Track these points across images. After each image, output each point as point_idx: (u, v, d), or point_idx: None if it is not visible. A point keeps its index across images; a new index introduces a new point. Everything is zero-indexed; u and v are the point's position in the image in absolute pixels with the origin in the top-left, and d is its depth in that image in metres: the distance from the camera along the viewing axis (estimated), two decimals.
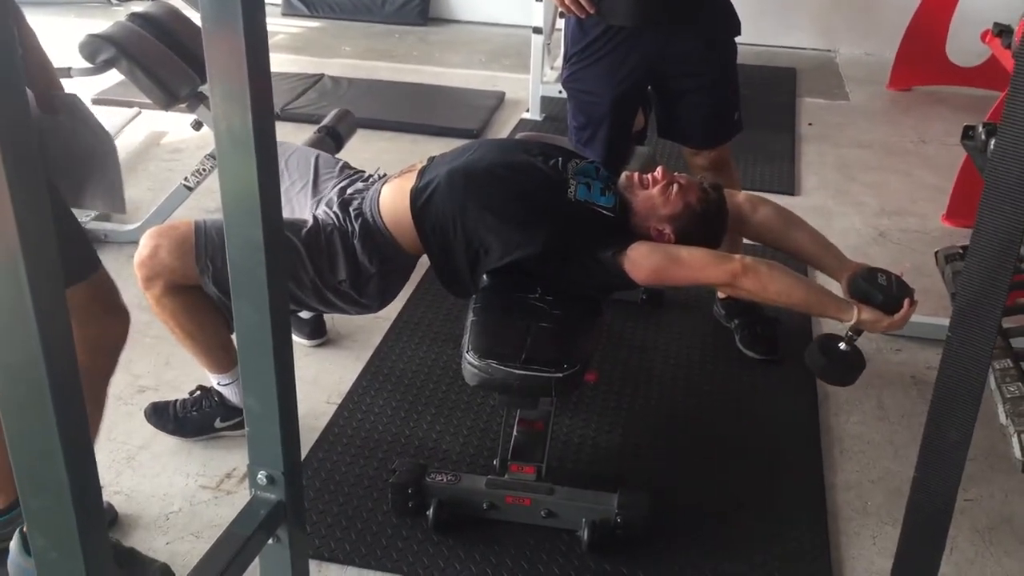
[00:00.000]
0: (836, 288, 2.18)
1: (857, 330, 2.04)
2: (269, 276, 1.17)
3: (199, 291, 2.10)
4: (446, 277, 2.23)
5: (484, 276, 2.17)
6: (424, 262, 2.26)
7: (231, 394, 2.30)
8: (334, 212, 2.20)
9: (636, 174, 2.19)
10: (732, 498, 2.23)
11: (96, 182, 1.78)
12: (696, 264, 2.05)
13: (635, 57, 2.57)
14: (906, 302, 2.02)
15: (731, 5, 2.67)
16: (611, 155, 2.65)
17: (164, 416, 2.33)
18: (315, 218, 2.19)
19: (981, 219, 1.05)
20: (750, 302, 2.84)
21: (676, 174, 2.19)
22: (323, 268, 2.12)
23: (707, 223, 2.17)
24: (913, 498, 1.34)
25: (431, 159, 2.28)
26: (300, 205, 2.32)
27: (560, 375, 1.92)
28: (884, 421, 2.53)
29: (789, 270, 2.11)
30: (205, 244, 2.07)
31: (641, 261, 2.05)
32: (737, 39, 2.70)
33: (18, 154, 0.78)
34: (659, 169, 2.17)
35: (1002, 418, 2.11)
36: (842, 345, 2.06)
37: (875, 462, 2.37)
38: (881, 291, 2.04)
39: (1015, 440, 2.04)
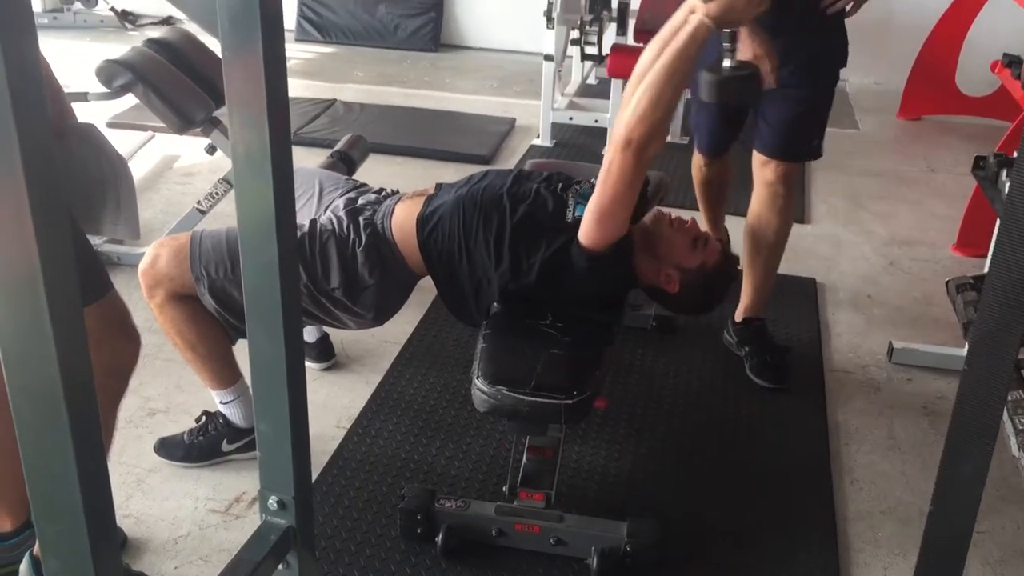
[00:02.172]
0: None
1: (731, 39, 1.92)
2: (284, 300, 1.17)
3: (201, 302, 2.12)
4: (453, 305, 2.24)
5: (494, 304, 2.17)
6: (434, 288, 2.26)
7: (233, 413, 2.30)
8: (337, 218, 2.21)
9: (670, 215, 2.20)
10: (742, 528, 2.22)
11: (112, 210, 1.79)
12: (603, 179, 1.97)
13: None
14: None
15: (844, 36, 2.71)
16: (711, 141, 2.95)
17: (172, 446, 2.34)
18: (313, 223, 2.19)
19: (997, 253, 1.04)
20: (759, 330, 2.87)
21: (705, 231, 2.21)
22: (316, 275, 2.13)
23: (712, 285, 2.21)
24: (928, 531, 1.33)
25: (439, 186, 2.29)
26: (303, 218, 2.33)
27: (570, 402, 1.92)
28: (895, 451, 2.51)
29: (633, 80, 2.01)
30: (200, 253, 2.10)
31: (586, 226, 2.02)
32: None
33: (41, 179, 0.79)
34: (691, 219, 2.19)
35: (1014, 450, 2.10)
36: (726, 62, 1.95)
37: (886, 492, 2.36)
38: None
39: None
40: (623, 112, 1.96)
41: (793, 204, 2.87)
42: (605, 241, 2.03)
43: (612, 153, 1.95)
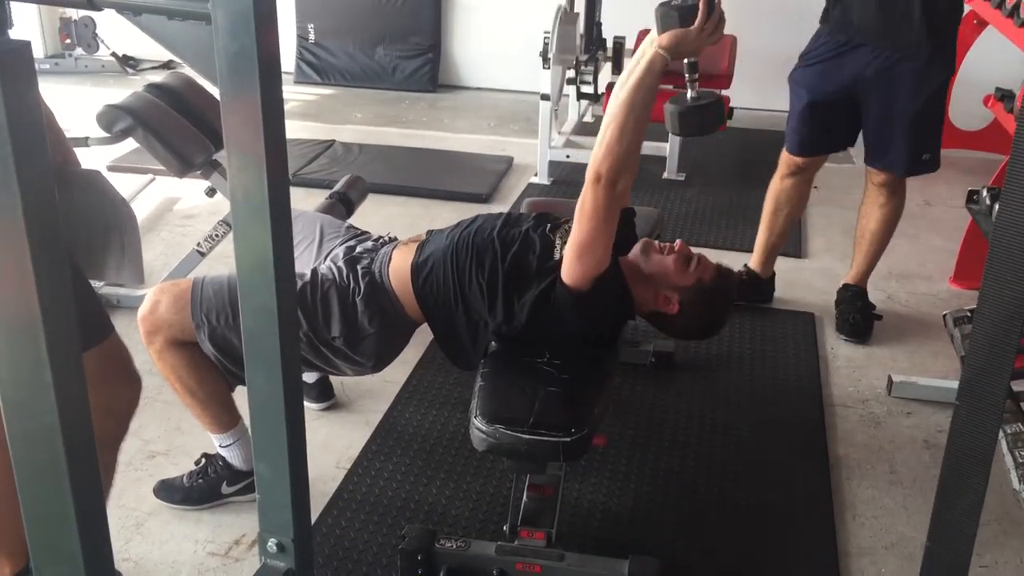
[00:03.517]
0: None
1: (691, 68, 1.93)
2: (282, 342, 1.18)
3: (199, 347, 2.13)
4: (450, 350, 2.24)
5: (491, 343, 2.18)
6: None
7: (233, 456, 2.30)
8: (337, 267, 2.22)
9: (656, 241, 2.21)
10: (744, 565, 2.21)
11: (115, 256, 1.80)
12: (578, 217, 1.97)
13: (843, 74, 2.94)
14: (700, 3, 1.87)
15: (952, 50, 2.92)
16: (797, 147, 3.16)
17: (172, 489, 2.34)
18: (314, 272, 2.20)
19: (986, 289, 1.05)
20: (853, 296, 3.27)
21: (698, 253, 2.21)
22: (317, 324, 2.14)
23: (713, 301, 2.19)
24: (926, 567, 1.33)
25: (429, 233, 2.30)
26: (303, 264, 2.34)
27: (568, 439, 1.92)
28: (897, 485, 2.51)
29: (605, 118, 2.00)
30: (201, 300, 2.10)
31: (566, 263, 2.03)
32: (937, 82, 2.97)
33: (42, 226, 0.80)
34: (679, 241, 2.20)
35: (1015, 483, 2.10)
36: (689, 93, 1.97)
37: (888, 528, 2.35)
38: (675, 8, 1.90)
39: None
40: (596, 147, 1.97)
41: (896, 206, 3.20)
42: (586, 277, 2.02)
43: (584, 189, 1.96)
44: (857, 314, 3.24)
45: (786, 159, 3.23)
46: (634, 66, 2.00)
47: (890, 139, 2.99)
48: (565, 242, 2.13)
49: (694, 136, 2.13)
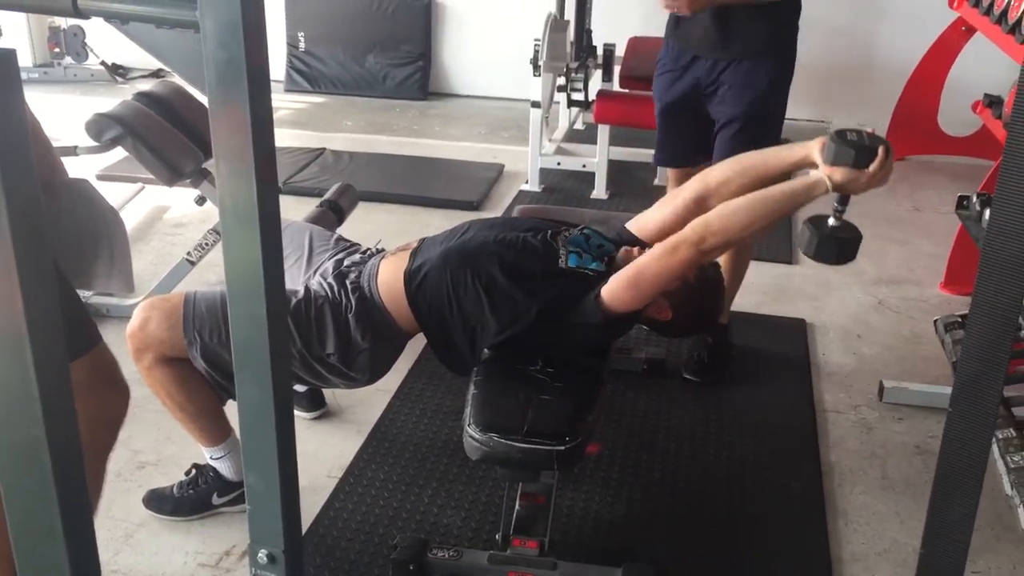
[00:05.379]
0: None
1: (842, 200, 1.97)
2: (272, 352, 1.17)
3: (190, 363, 2.11)
4: (445, 356, 2.23)
5: (485, 349, 2.17)
6: (423, 336, 2.26)
7: (224, 468, 2.29)
8: (328, 283, 2.21)
9: (636, 249, 2.21)
10: (737, 572, 2.20)
11: (104, 264, 1.79)
12: (659, 257, 2.02)
13: (685, 83, 2.90)
14: (880, 150, 1.92)
15: (787, 54, 2.85)
16: (662, 154, 3.11)
17: (162, 500, 2.32)
18: (306, 289, 2.19)
19: (978, 295, 1.05)
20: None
21: None
22: (311, 340, 2.12)
23: (702, 299, 2.21)
24: (920, 574, 1.33)
25: (422, 240, 2.30)
26: (293, 278, 2.32)
27: (562, 448, 1.91)
28: (889, 491, 2.51)
29: (737, 199, 2.05)
30: (193, 316, 2.08)
31: (615, 287, 2.05)
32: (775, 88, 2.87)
33: (28, 237, 0.79)
34: (656, 245, 2.19)
35: (1007, 488, 2.10)
36: (831, 220, 1.99)
37: (881, 534, 2.35)
38: (853, 146, 1.93)
39: (1021, 511, 2.02)
40: (715, 216, 2.00)
41: None
42: (628, 306, 2.07)
43: (680, 238, 2.00)
44: (699, 351, 3.00)
45: (669, 176, 3.17)
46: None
47: (722, 142, 2.89)
48: (571, 252, 2.14)
49: (822, 263, 2.15)
